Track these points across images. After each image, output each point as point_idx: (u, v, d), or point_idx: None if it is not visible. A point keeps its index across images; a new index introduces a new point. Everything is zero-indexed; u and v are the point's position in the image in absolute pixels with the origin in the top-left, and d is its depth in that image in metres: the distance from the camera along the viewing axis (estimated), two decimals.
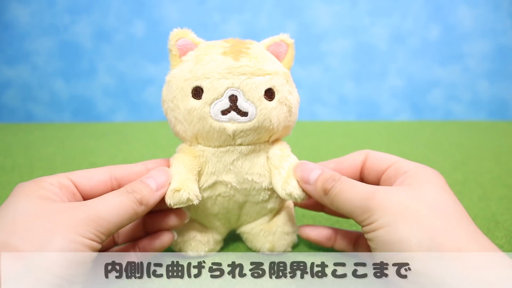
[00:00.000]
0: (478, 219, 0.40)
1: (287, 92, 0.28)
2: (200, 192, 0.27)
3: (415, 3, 1.09)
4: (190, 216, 0.30)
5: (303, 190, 0.27)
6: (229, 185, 0.28)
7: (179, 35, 0.28)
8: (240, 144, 0.27)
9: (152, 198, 0.25)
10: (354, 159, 0.30)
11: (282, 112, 0.27)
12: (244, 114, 0.26)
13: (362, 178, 0.29)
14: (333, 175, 0.26)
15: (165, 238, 0.31)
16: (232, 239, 0.34)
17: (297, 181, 0.27)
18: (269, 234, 0.31)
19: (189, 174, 0.27)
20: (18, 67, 1.14)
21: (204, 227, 0.31)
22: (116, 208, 0.23)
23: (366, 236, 0.24)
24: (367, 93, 1.15)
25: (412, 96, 1.14)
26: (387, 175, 0.27)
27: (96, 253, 0.22)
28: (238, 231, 0.32)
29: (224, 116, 0.26)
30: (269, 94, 0.27)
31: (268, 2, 1.09)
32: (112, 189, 0.28)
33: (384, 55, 1.13)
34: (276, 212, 0.32)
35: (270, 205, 0.30)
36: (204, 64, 0.26)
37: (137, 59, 1.11)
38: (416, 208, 0.22)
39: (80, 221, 0.21)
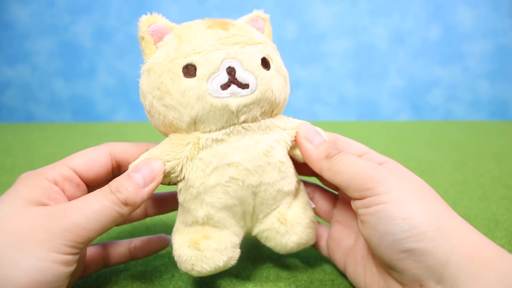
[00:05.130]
0: (478, 219, 0.40)
1: (280, 62, 0.26)
2: (204, 180, 0.24)
3: (415, 3, 1.09)
4: (198, 219, 0.25)
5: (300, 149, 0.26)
6: (240, 166, 0.24)
7: (150, 21, 0.25)
8: (244, 122, 0.24)
9: (138, 197, 0.23)
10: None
11: (280, 82, 0.26)
12: (245, 86, 0.24)
13: None
14: (336, 147, 0.26)
15: (163, 242, 0.30)
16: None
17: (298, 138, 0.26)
18: (293, 224, 0.27)
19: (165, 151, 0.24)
20: (18, 67, 1.14)
21: (216, 230, 0.26)
22: (97, 213, 0.21)
23: (364, 210, 0.22)
24: (367, 93, 1.15)
25: (412, 96, 1.14)
26: None
27: (70, 268, 0.21)
28: (255, 233, 0.28)
29: (225, 91, 0.23)
30: (265, 63, 0.25)
31: (268, 2, 1.09)
32: (113, 174, 0.26)
33: (384, 55, 1.13)
34: (294, 196, 0.28)
35: (286, 186, 0.26)
36: (191, 40, 0.24)
37: (137, 59, 1.11)
38: (421, 190, 0.22)
39: (54, 233, 0.20)
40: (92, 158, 0.25)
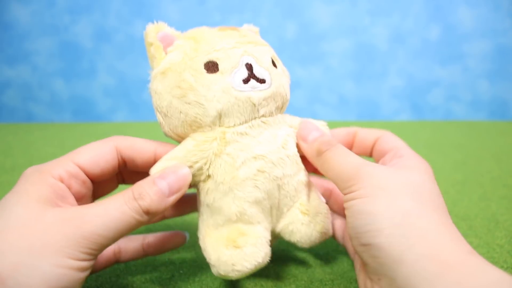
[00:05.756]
0: (478, 219, 0.40)
1: (282, 64, 0.28)
2: (234, 174, 0.24)
3: (415, 3, 1.09)
4: (231, 216, 0.25)
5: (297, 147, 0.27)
6: (265, 159, 0.25)
7: (157, 28, 0.25)
8: (263, 115, 0.25)
9: (161, 206, 0.22)
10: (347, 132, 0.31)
11: (286, 81, 0.27)
12: (262, 81, 0.25)
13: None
14: (330, 140, 0.26)
15: (180, 240, 0.30)
16: None
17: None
18: (316, 214, 0.27)
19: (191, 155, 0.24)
20: (18, 67, 1.14)
21: (249, 227, 0.25)
22: (116, 222, 0.20)
23: (345, 204, 0.23)
24: (367, 93, 1.15)
25: (412, 96, 1.14)
26: (386, 157, 0.28)
27: (85, 274, 0.20)
28: (279, 229, 0.27)
29: (246, 85, 0.24)
30: (273, 63, 0.26)
31: (268, 2, 1.09)
32: (121, 174, 0.26)
33: (384, 55, 1.13)
34: (308, 187, 0.28)
35: (304, 177, 0.27)
36: (209, 40, 0.24)
37: (137, 59, 1.11)
38: (398, 187, 0.22)
39: (71, 240, 0.19)
40: (98, 154, 0.24)
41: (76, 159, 0.24)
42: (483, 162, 0.61)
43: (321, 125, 0.30)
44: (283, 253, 0.33)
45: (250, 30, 0.28)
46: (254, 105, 0.24)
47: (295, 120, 0.28)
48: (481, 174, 0.55)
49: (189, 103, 0.24)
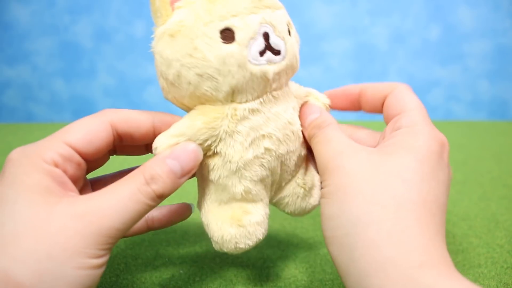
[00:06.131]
0: (478, 219, 0.40)
1: (294, 29, 0.26)
2: (243, 154, 0.23)
3: (415, 3, 1.09)
4: (236, 195, 0.24)
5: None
6: (273, 137, 0.24)
7: None
8: (274, 90, 0.24)
9: (173, 189, 0.21)
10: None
11: (298, 49, 0.26)
12: (278, 52, 0.23)
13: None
14: (320, 122, 0.24)
15: (186, 213, 0.28)
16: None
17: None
18: (311, 187, 0.28)
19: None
20: (18, 67, 1.14)
21: (252, 204, 0.25)
22: (132, 212, 0.19)
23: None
24: None
25: None
26: (390, 125, 0.25)
27: (104, 267, 0.20)
28: (274, 201, 0.28)
29: (262, 58, 0.22)
30: (288, 29, 0.24)
31: None
32: (114, 148, 0.24)
33: (384, 55, 1.13)
34: (305, 161, 0.28)
35: (303, 151, 0.27)
36: (224, 0, 0.22)
37: (137, 59, 1.11)
38: (363, 186, 0.20)
39: (88, 239, 0.18)
40: (91, 131, 0.22)
41: (67, 139, 0.21)
42: (483, 162, 0.61)
43: (322, 101, 0.29)
44: (283, 253, 0.33)
45: None
46: (268, 80, 0.23)
47: (300, 90, 0.28)
48: (481, 174, 0.55)
49: (200, 75, 0.22)
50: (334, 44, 1.12)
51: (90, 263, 0.18)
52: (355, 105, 0.29)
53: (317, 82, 1.13)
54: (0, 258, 0.17)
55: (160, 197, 0.20)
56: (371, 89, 0.27)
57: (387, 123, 0.25)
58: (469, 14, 1.09)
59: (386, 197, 0.19)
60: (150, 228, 0.27)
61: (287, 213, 0.28)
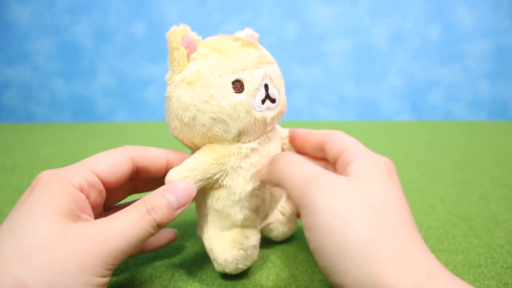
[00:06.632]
0: (478, 219, 0.40)
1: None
2: (245, 187, 0.27)
3: (415, 3, 1.09)
4: (237, 222, 0.28)
5: None
6: None
7: (183, 32, 0.25)
8: (269, 131, 0.28)
9: (170, 219, 0.23)
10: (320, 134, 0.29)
11: (284, 93, 0.29)
12: (274, 100, 0.27)
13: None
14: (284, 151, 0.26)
15: (173, 237, 0.31)
16: None
17: None
18: (292, 214, 0.33)
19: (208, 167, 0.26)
20: (18, 67, 1.14)
21: (249, 230, 0.29)
22: (136, 237, 0.21)
23: (302, 220, 0.22)
24: (367, 93, 1.15)
25: (412, 96, 1.14)
26: (340, 162, 0.26)
27: (106, 286, 0.21)
28: (260, 227, 0.31)
29: (263, 106, 0.26)
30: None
31: (268, 2, 1.09)
32: (131, 180, 0.26)
33: (384, 55, 1.13)
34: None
35: None
36: (235, 56, 0.25)
37: (137, 59, 1.11)
38: (353, 211, 0.20)
39: (98, 259, 0.20)
40: (115, 163, 0.25)
41: (94, 167, 0.24)
42: (483, 162, 0.61)
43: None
44: (283, 254, 0.33)
45: (251, 36, 0.30)
46: (267, 124, 0.27)
47: (283, 131, 0.32)
48: (481, 174, 0.55)
49: (214, 119, 0.25)
50: (334, 44, 1.12)
51: (96, 281, 0.20)
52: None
53: (317, 82, 1.14)
54: (19, 268, 0.18)
55: (159, 226, 0.23)
56: (310, 137, 0.30)
57: (332, 162, 0.27)
58: (469, 14, 1.09)
59: (374, 220, 0.20)
60: (143, 251, 0.30)
61: (271, 238, 0.33)
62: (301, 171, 0.23)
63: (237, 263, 0.28)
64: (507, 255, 0.33)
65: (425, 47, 1.12)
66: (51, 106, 1.16)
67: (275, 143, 0.29)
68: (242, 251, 0.28)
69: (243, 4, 1.09)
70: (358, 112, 1.16)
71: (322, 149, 0.29)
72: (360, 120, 1.14)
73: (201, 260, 0.32)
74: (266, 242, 0.34)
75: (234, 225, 0.28)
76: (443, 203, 0.44)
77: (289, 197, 0.32)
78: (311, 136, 0.30)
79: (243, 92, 0.25)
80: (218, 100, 0.24)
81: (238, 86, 0.25)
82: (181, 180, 0.24)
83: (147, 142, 0.77)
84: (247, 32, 0.30)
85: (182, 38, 0.25)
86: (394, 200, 0.22)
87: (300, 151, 0.31)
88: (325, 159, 0.29)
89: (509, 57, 1.10)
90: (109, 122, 1.12)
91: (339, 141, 0.27)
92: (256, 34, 0.30)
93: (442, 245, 0.35)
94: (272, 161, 0.25)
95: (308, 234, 0.22)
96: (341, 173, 0.24)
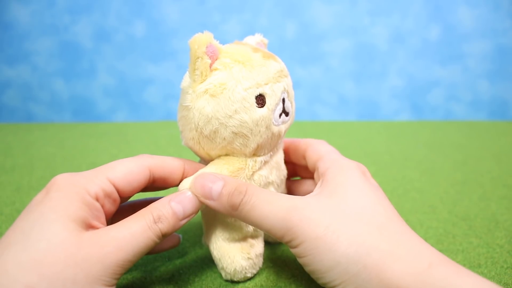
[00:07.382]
0: (478, 219, 0.40)
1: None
2: None
3: (415, 3, 1.09)
4: (248, 233, 0.29)
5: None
6: (275, 184, 0.29)
7: (207, 40, 0.24)
8: (279, 143, 0.29)
9: (174, 229, 0.23)
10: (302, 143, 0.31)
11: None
12: (287, 114, 0.27)
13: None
14: (238, 187, 0.24)
15: (177, 242, 0.31)
16: None
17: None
18: None
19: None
20: (18, 67, 1.14)
21: (255, 240, 0.30)
22: (143, 247, 0.22)
23: (292, 251, 0.23)
24: (367, 93, 1.15)
25: (412, 96, 1.14)
26: (316, 172, 0.28)
27: None
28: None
29: (280, 120, 0.26)
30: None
31: (268, 2, 1.09)
32: (147, 189, 0.26)
33: (384, 55, 1.13)
34: None
35: (285, 190, 0.33)
36: (258, 69, 0.25)
37: (137, 59, 1.11)
38: (337, 227, 0.21)
39: (107, 269, 0.20)
40: (132, 173, 0.24)
41: (111, 176, 0.24)
42: (483, 162, 0.61)
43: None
44: (283, 253, 0.33)
45: (261, 42, 0.30)
46: (281, 137, 0.27)
47: (285, 142, 0.32)
48: (481, 174, 0.55)
49: (235, 133, 0.25)
50: (334, 44, 1.12)
51: None
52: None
53: (317, 82, 1.14)
54: (31, 276, 0.19)
55: (164, 236, 0.23)
56: (294, 145, 0.32)
57: (312, 170, 0.30)
58: (469, 14, 1.09)
59: (359, 227, 0.21)
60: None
61: (270, 242, 0.34)
62: (272, 208, 0.23)
63: (245, 272, 0.28)
64: (507, 255, 0.33)
65: (425, 47, 1.12)
66: (51, 106, 1.16)
67: (280, 154, 0.30)
68: (250, 261, 0.28)
69: (243, 4, 1.09)
70: (358, 112, 1.16)
71: (304, 158, 0.30)
72: (360, 120, 1.14)
73: (201, 261, 0.32)
74: (266, 242, 0.34)
75: (244, 236, 0.29)
76: (443, 203, 0.44)
77: (268, 236, 0.33)
78: (294, 144, 0.31)
79: (264, 107, 0.25)
80: (241, 114, 0.24)
81: (260, 100, 0.25)
82: (188, 190, 0.24)
83: (147, 142, 0.77)
84: (258, 38, 0.30)
85: (206, 47, 0.24)
86: (375, 201, 0.22)
87: (286, 159, 0.31)
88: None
89: (509, 57, 1.10)
90: (109, 122, 1.12)
91: (316, 150, 0.29)
92: (266, 41, 0.30)
93: (442, 245, 0.35)
94: (235, 206, 0.24)
95: (301, 261, 0.23)
96: (318, 182, 0.26)
